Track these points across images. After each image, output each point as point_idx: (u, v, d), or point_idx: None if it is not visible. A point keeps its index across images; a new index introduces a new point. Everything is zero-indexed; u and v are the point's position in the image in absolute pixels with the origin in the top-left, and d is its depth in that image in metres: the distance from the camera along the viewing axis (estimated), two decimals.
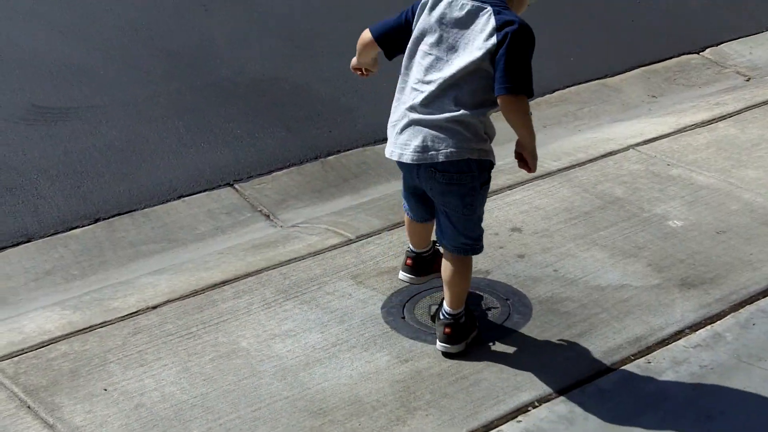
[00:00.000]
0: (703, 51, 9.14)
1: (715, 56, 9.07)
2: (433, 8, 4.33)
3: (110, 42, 8.63)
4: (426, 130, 4.31)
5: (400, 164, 4.48)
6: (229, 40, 8.79)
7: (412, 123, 4.35)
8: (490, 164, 4.44)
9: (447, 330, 4.60)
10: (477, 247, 4.59)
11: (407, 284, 4.99)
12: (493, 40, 4.17)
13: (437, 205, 4.52)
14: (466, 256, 4.60)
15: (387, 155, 4.49)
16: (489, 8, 4.22)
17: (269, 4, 9.57)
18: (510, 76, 4.17)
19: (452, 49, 4.29)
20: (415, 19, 4.39)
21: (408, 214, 4.78)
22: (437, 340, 4.65)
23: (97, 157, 6.87)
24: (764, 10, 10.06)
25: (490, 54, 4.18)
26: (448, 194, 4.40)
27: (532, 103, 7.71)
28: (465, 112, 4.25)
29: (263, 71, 8.24)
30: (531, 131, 4.39)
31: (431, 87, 4.30)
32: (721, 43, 9.30)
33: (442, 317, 4.63)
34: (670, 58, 8.97)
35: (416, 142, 4.33)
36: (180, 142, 7.11)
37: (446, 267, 4.60)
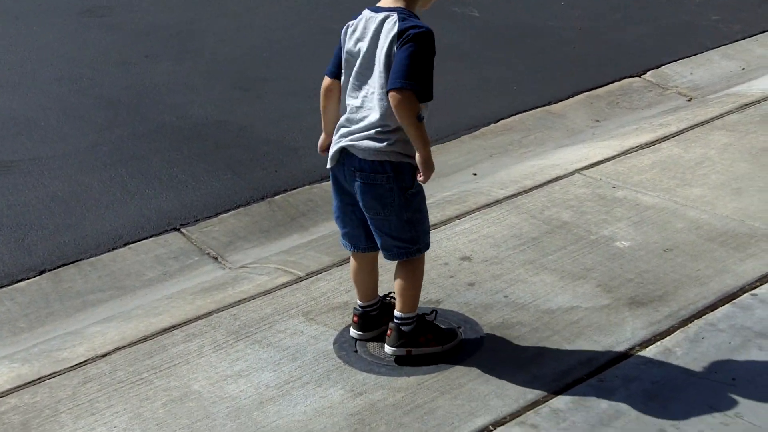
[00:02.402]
0: (644, 74, 9.22)
1: (656, 78, 9.15)
2: (354, 29, 4.48)
3: (50, 93, 8.62)
4: (351, 135, 4.46)
5: (332, 175, 4.64)
6: (172, 87, 8.79)
7: (341, 135, 4.51)
8: (412, 169, 4.47)
9: (388, 332, 4.75)
10: (412, 249, 4.62)
11: None
12: (395, 43, 4.29)
13: (365, 211, 4.59)
14: (407, 260, 4.64)
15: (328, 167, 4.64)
16: (394, 15, 4.35)
17: (212, 50, 9.60)
18: (402, 72, 4.26)
19: (370, 60, 4.41)
20: (343, 42, 4.52)
21: (347, 247, 4.81)
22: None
23: (40, 208, 6.83)
24: (704, 32, 10.17)
25: (393, 56, 4.32)
26: (368, 196, 4.50)
27: (477, 132, 7.89)
28: (383, 116, 4.37)
29: (207, 115, 8.24)
30: (421, 135, 4.37)
31: (356, 101, 4.46)
32: (662, 65, 9.40)
33: (392, 319, 4.75)
34: (613, 82, 9.05)
35: (342, 143, 4.49)
36: (124, 189, 7.08)
37: (396, 270, 4.69)
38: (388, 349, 4.76)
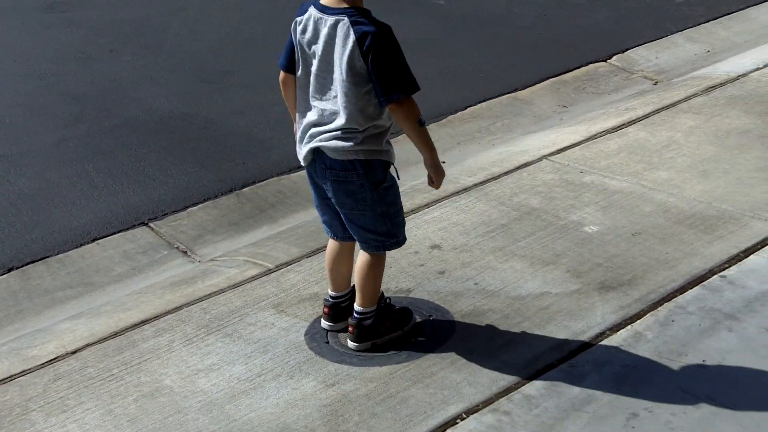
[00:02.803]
0: (610, 58, 9.25)
1: (622, 63, 9.18)
2: (304, 28, 4.40)
3: (15, 90, 8.59)
4: (320, 136, 4.42)
5: (307, 172, 4.63)
6: (136, 81, 8.76)
7: (311, 136, 4.46)
8: (384, 164, 4.47)
9: (350, 329, 4.76)
10: (389, 242, 4.63)
11: None
12: (357, 52, 4.22)
13: (338, 208, 4.60)
14: (376, 253, 4.65)
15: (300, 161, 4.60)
16: (345, 19, 4.27)
17: (176, 44, 9.57)
18: (389, 83, 4.25)
19: (328, 64, 4.34)
20: (294, 38, 4.46)
21: (327, 233, 4.80)
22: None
23: (6, 206, 6.79)
24: (668, 16, 10.20)
25: (357, 65, 4.24)
26: (340, 193, 4.50)
27: (445, 120, 7.89)
28: (350, 120, 4.33)
29: (173, 108, 8.21)
30: (424, 140, 4.42)
31: (321, 103, 4.41)
32: (627, 49, 9.43)
33: (352, 315, 4.75)
34: (579, 67, 9.07)
35: (312, 144, 4.45)
36: (91, 185, 7.05)
37: (358, 265, 4.70)
38: (351, 344, 4.76)
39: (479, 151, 7.41)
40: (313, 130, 4.45)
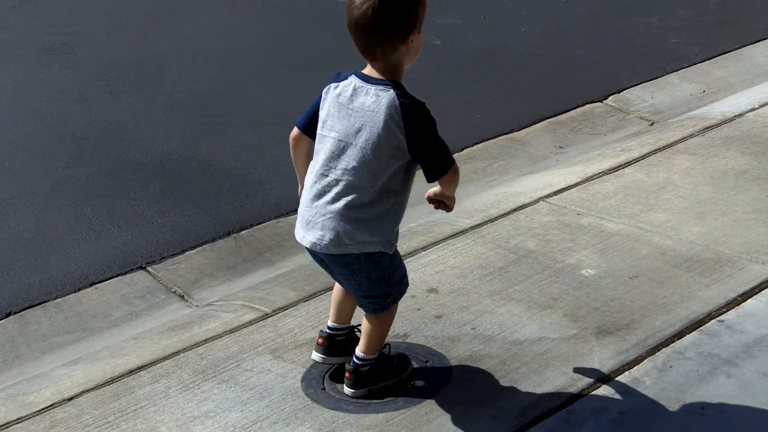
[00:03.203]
0: (606, 99, 9.27)
1: (618, 103, 9.21)
2: (340, 93, 4.35)
3: (15, 132, 8.61)
4: (323, 223, 4.37)
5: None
6: (135, 123, 8.78)
7: (313, 218, 4.41)
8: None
9: (347, 374, 4.73)
10: (386, 303, 4.61)
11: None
12: (401, 124, 4.21)
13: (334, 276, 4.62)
14: (377, 315, 4.63)
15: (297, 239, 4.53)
16: (391, 90, 4.24)
17: (172, 85, 9.60)
18: (436, 160, 4.29)
19: (359, 131, 4.29)
20: (323, 103, 4.41)
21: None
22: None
23: (5, 249, 6.80)
24: (663, 55, 10.23)
25: (397, 136, 4.22)
26: (335, 265, 4.49)
27: None
28: (365, 199, 4.30)
29: (171, 150, 8.23)
30: (456, 186, 4.54)
31: (338, 173, 4.33)
32: (623, 89, 9.45)
33: (352, 359, 4.72)
34: (575, 108, 9.09)
35: (311, 239, 4.43)
36: (90, 228, 7.06)
37: (365, 316, 4.68)
38: (348, 391, 4.73)
39: (476, 192, 7.42)
40: (317, 208, 4.38)
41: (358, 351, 4.71)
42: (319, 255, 4.49)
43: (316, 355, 4.92)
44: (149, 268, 6.63)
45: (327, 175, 4.36)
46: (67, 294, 6.37)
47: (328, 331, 4.90)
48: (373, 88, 4.28)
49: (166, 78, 9.82)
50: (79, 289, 6.41)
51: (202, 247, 6.86)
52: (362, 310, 4.68)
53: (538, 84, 9.62)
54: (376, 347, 4.71)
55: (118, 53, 10.55)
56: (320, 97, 4.43)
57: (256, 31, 11.15)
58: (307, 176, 4.49)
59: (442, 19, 11.43)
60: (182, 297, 6.32)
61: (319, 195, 4.38)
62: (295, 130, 4.55)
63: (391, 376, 4.80)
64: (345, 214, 4.31)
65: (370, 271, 4.46)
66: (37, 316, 6.16)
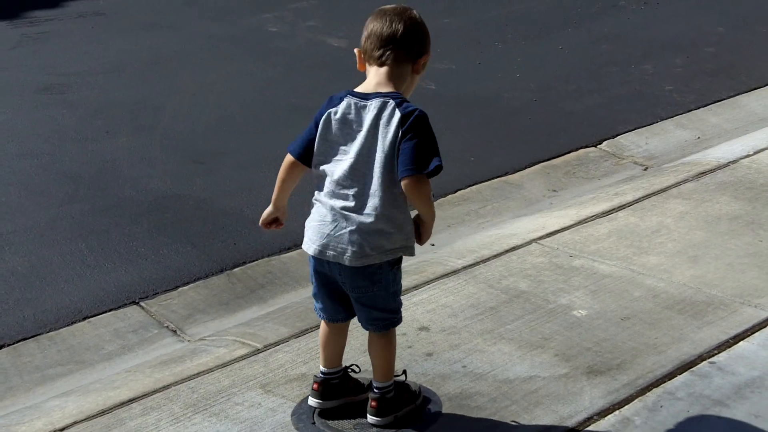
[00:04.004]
0: (600, 144, 9.31)
1: (612, 148, 9.25)
2: (343, 118, 4.43)
3: (11, 169, 8.64)
4: (343, 241, 4.44)
5: (313, 260, 4.61)
6: (131, 161, 8.81)
7: (333, 237, 4.46)
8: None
9: (373, 404, 4.72)
10: (395, 319, 4.67)
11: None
12: (399, 129, 4.31)
13: (348, 292, 4.59)
14: (385, 332, 4.66)
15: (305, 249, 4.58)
16: (390, 101, 4.36)
17: (168, 125, 9.65)
18: (418, 158, 4.31)
19: (370, 156, 4.38)
20: (322, 130, 4.46)
21: (321, 315, 4.79)
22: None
23: (0, 283, 6.81)
24: (658, 102, 10.29)
25: (396, 142, 4.33)
26: (356, 278, 4.49)
27: (435, 203, 7.87)
28: (385, 211, 4.38)
29: (166, 189, 8.25)
30: (433, 213, 4.53)
31: (352, 191, 4.42)
32: (617, 135, 9.49)
33: (372, 390, 4.72)
34: (569, 152, 9.12)
35: (332, 254, 4.48)
36: (84, 263, 7.07)
37: (369, 343, 4.73)
38: (373, 419, 4.72)
39: (469, 233, 7.44)
40: (336, 230, 4.45)
41: (376, 382, 4.72)
42: (334, 270, 4.52)
43: (312, 401, 4.90)
44: (142, 304, 6.64)
45: (344, 192, 4.43)
46: (61, 327, 6.37)
47: (321, 376, 4.90)
48: (372, 104, 4.38)
49: (162, 118, 9.86)
50: (72, 323, 6.42)
51: (195, 283, 6.88)
52: (363, 343, 4.70)
53: (533, 129, 9.66)
54: (390, 371, 4.74)
55: (115, 94, 10.59)
56: (315, 123, 4.48)
57: (252, 75, 11.20)
58: (318, 195, 4.53)
59: (437, 64, 11.48)
60: (175, 332, 6.33)
61: (338, 210, 4.44)
62: (290, 158, 4.60)
63: (411, 401, 4.84)
64: (366, 226, 4.38)
65: (389, 283, 4.53)
66: (31, 349, 6.17)
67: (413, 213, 4.52)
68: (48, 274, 6.97)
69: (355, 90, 4.46)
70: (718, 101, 10.34)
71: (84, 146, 9.16)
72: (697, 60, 11.59)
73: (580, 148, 9.21)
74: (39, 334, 6.31)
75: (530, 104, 10.31)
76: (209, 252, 7.25)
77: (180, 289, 6.81)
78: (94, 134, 9.46)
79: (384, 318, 4.63)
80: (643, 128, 9.66)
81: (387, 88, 4.42)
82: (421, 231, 4.56)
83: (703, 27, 12.74)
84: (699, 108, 10.17)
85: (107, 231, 7.56)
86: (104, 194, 8.17)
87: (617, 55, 11.84)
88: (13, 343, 6.22)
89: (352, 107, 4.42)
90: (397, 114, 4.33)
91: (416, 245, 4.57)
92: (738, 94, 10.53)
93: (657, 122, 9.80)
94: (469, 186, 8.40)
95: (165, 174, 8.55)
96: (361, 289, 4.54)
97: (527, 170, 8.75)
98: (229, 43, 12.38)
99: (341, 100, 4.45)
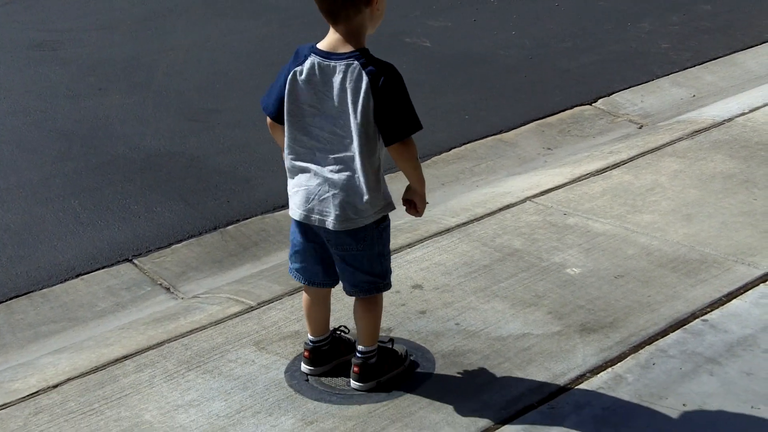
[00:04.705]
0: (595, 102, 9.28)
1: (607, 106, 9.23)
2: (308, 78, 4.34)
3: (3, 126, 8.63)
4: (327, 205, 4.43)
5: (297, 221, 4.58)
6: (124, 119, 8.78)
7: (316, 201, 4.45)
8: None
9: (355, 369, 4.73)
10: (381, 284, 4.65)
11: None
12: (370, 93, 4.24)
13: (332, 251, 4.57)
14: (370, 296, 4.64)
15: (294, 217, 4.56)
16: (355, 63, 4.26)
17: (161, 83, 9.61)
18: (397, 123, 4.29)
19: (342, 112, 4.32)
20: (290, 90, 4.38)
21: (297, 277, 4.77)
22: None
23: None
24: (653, 60, 10.26)
25: (371, 107, 4.26)
26: (341, 235, 4.47)
27: (429, 161, 7.92)
28: (361, 173, 4.34)
29: (159, 147, 8.23)
30: (421, 176, 4.48)
31: (329, 157, 4.38)
32: (613, 93, 9.47)
33: (355, 355, 4.73)
34: (564, 110, 9.10)
35: (317, 218, 4.47)
36: (77, 221, 7.06)
37: (355, 308, 4.71)
38: (356, 384, 4.73)
39: (463, 192, 7.43)
40: (319, 194, 4.43)
41: (360, 345, 4.72)
42: (320, 230, 4.50)
43: (305, 368, 4.90)
44: (135, 261, 6.63)
45: (324, 157, 4.39)
46: (54, 285, 6.37)
47: (311, 344, 4.89)
48: (338, 65, 4.28)
49: (155, 76, 9.82)
50: (65, 280, 6.41)
51: (189, 241, 6.87)
52: (351, 306, 4.69)
53: (528, 87, 9.63)
54: (374, 336, 4.73)
55: (108, 51, 10.55)
56: (284, 80, 4.39)
57: (246, 32, 11.16)
58: (292, 161, 4.48)
59: (432, 21, 11.45)
60: (168, 289, 6.32)
61: (316, 176, 4.41)
62: (270, 121, 4.54)
63: (395, 366, 4.82)
64: (346, 189, 4.36)
65: (374, 242, 4.51)
66: (24, 306, 6.16)
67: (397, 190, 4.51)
68: (41, 231, 6.95)
69: (319, 47, 4.34)
70: (714, 59, 10.31)
71: (77, 103, 9.13)
72: (693, 18, 11.55)
73: (575, 106, 9.18)
74: (32, 291, 6.30)
75: (525, 62, 10.28)
76: (202, 210, 7.23)
77: (173, 246, 6.80)
78: (87, 91, 9.42)
79: (369, 281, 4.61)
80: (639, 86, 9.63)
81: (347, 48, 4.30)
82: (415, 201, 4.54)
83: None
84: (695, 66, 10.14)
85: (100, 188, 7.54)
86: (97, 152, 8.15)
87: (613, 12, 11.80)
88: (6, 300, 6.21)
89: (316, 67, 4.31)
90: (365, 79, 4.24)
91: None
92: (734, 52, 10.50)
93: (652, 80, 9.78)
94: (464, 144, 8.38)
95: (158, 132, 8.53)
96: (346, 246, 4.51)
97: (522, 128, 8.74)
98: (222, 0, 12.32)
99: (306, 58, 4.34)
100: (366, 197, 4.36)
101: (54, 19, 11.63)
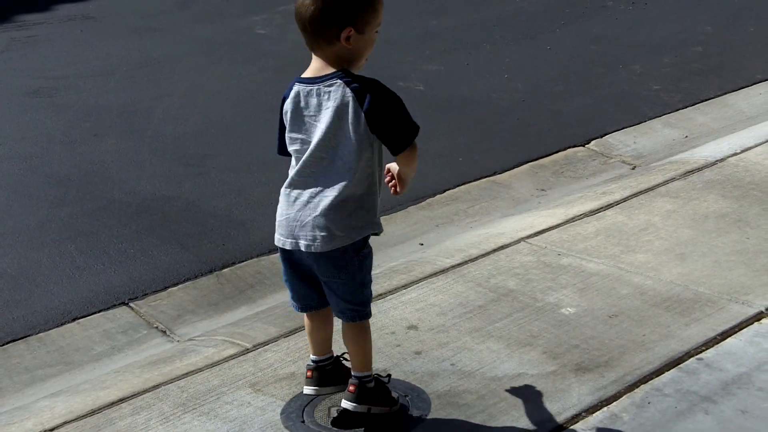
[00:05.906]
0: (588, 143, 9.32)
1: (600, 147, 9.27)
2: (293, 107, 4.44)
3: (0, 172, 8.63)
4: (305, 230, 4.45)
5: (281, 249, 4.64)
6: (120, 164, 8.82)
7: (296, 225, 4.48)
8: (367, 236, 4.53)
9: (351, 388, 4.69)
10: (363, 312, 4.63)
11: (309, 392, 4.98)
12: (358, 111, 4.29)
13: (318, 274, 4.58)
14: (355, 323, 4.64)
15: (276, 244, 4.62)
16: (339, 81, 4.33)
17: (160, 128, 9.65)
18: (396, 133, 4.36)
19: (327, 134, 4.36)
20: (284, 116, 4.50)
21: (294, 306, 4.79)
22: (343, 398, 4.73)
23: None
24: (645, 102, 10.30)
25: (361, 126, 4.30)
26: (321, 263, 4.50)
27: (424, 203, 7.95)
28: (347, 192, 4.37)
29: (155, 191, 8.26)
30: (415, 169, 4.56)
31: (314, 176, 4.42)
32: (605, 134, 9.50)
33: (352, 376, 4.72)
34: (557, 152, 9.13)
35: (301, 244, 4.48)
36: (73, 265, 7.08)
37: (345, 335, 4.71)
38: (349, 404, 4.68)
39: (457, 233, 7.46)
40: (299, 219, 4.46)
41: (356, 371, 4.71)
42: (303, 260, 4.53)
43: (308, 389, 4.88)
44: (131, 304, 6.65)
45: (306, 179, 4.43)
46: (50, 329, 6.39)
47: (313, 363, 4.89)
48: (320, 88, 4.36)
49: (151, 122, 9.87)
50: (61, 324, 6.43)
51: (185, 284, 6.89)
52: (341, 337, 4.70)
53: (521, 129, 9.68)
54: (365, 363, 4.70)
55: (104, 97, 10.60)
56: (281, 114, 4.53)
57: (240, 78, 11.21)
58: (283, 187, 4.54)
59: (426, 65, 11.52)
60: (164, 332, 6.34)
61: (301, 198, 4.45)
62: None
63: (387, 404, 4.80)
64: (331, 209, 4.37)
65: (355, 271, 4.51)
66: (20, 350, 6.18)
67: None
68: (37, 275, 6.98)
69: (303, 76, 4.44)
70: (706, 100, 10.35)
71: (73, 149, 9.17)
72: (685, 59, 11.61)
73: (569, 147, 9.22)
74: (28, 335, 6.32)
75: (518, 105, 10.33)
76: (198, 253, 7.26)
77: (169, 289, 6.82)
78: (83, 137, 9.47)
79: (351, 309, 4.61)
80: (631, 128, 9.68)
81: (329, 70, 4.38)
82: (404, 181, 4.60)
83: (691, 27, 12.76)
84: (687, 107, 10.19)
85: (96, 233, 7.57)
86: (93, 197, 8.18)
87: (605, 55, 11.86)
88: (3, 345, 6.23)
89: (300, 95, 4.41)
90: (349, 95, 4.30)
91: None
92: (726, 93, 10.54)
93: (645, 121, 9.82)
94: (458, 186, 8.42)
95: (154, 176, 8.56)
96: (328, 272, 4.52)
97: (516, 170, 8.77)
98: (218, 46, 12.39)
99: (290, 88, 4.46)
100: (348, 216, 4.40)
101: (50, 66, 11.69)
